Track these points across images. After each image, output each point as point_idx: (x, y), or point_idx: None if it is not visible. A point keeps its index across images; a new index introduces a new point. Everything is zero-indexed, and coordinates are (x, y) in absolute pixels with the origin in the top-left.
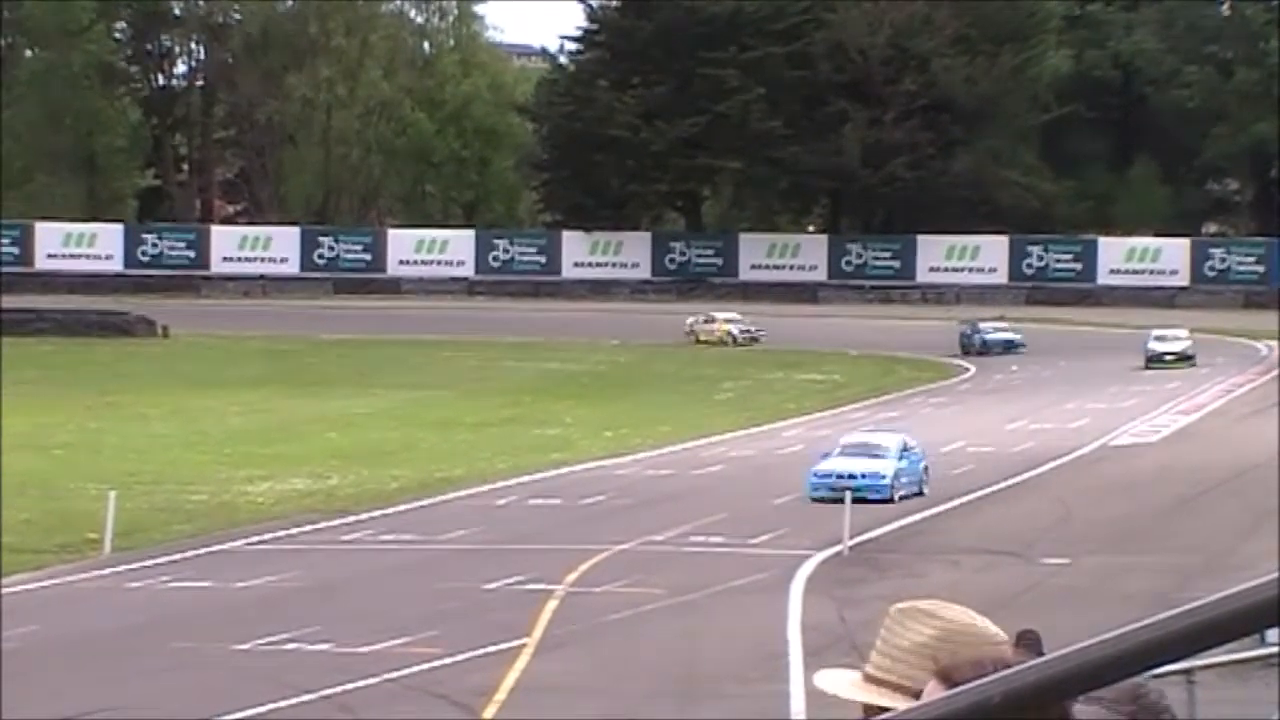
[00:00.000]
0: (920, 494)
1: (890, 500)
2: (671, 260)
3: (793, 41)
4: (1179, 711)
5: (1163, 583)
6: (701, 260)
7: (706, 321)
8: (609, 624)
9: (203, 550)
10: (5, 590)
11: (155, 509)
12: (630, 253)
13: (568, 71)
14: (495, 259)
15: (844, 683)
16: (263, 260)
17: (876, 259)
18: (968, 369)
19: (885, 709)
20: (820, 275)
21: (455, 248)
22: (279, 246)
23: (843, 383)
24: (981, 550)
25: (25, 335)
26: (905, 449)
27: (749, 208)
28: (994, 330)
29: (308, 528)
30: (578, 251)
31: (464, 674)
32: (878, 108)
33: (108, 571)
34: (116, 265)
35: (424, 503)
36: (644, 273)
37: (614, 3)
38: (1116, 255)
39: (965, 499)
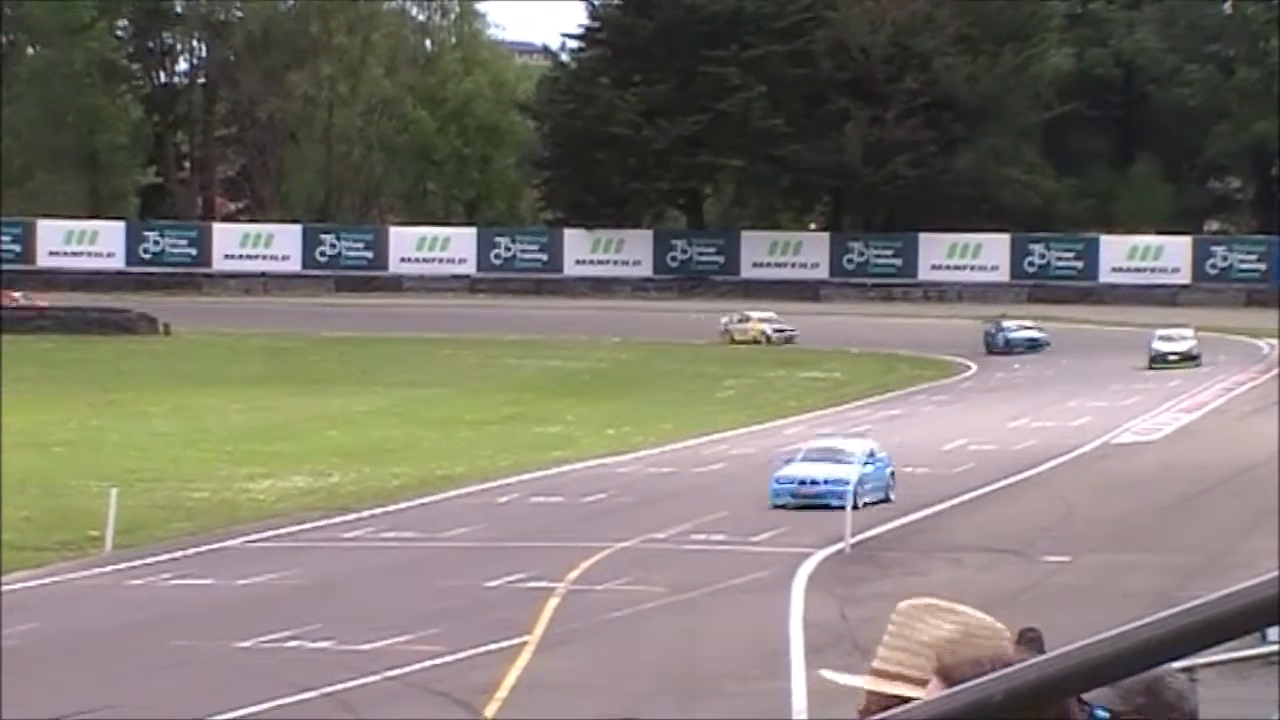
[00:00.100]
0: (887, 500)
1: (854, 507)
2: (673, 258)
3: (794, 39)
4: None
5: (1163, 581)
6: (703, 258)
7: (741, 321)
8: (610, 622)
9: (204, 548)
10: (7, 588)
11: (156, 506)
12: (632, 250)
13: (569, 69)
14: (497, 257)
15: (856, 679)
16: (264, 258)
17: (878, 257)
18: (969, 367)
19: (885, 707)
20: (822, 273)
21: (457, 245)
22: (281, 244)
23: (844, 381)
24: (983, 548)
25: (26, 333)
26: (871, 455)
27: (750, 206)
28: (1017, 329)
29: (309, 525)
30: (579, 249)
31: (465, 672)
32: (879, 106)
33: (109, 569)
34: (118, 263)
35: (425, 500)
36: (645, 270)
37: (616, 1)
38: (1118, 253)
39: (967, 497)
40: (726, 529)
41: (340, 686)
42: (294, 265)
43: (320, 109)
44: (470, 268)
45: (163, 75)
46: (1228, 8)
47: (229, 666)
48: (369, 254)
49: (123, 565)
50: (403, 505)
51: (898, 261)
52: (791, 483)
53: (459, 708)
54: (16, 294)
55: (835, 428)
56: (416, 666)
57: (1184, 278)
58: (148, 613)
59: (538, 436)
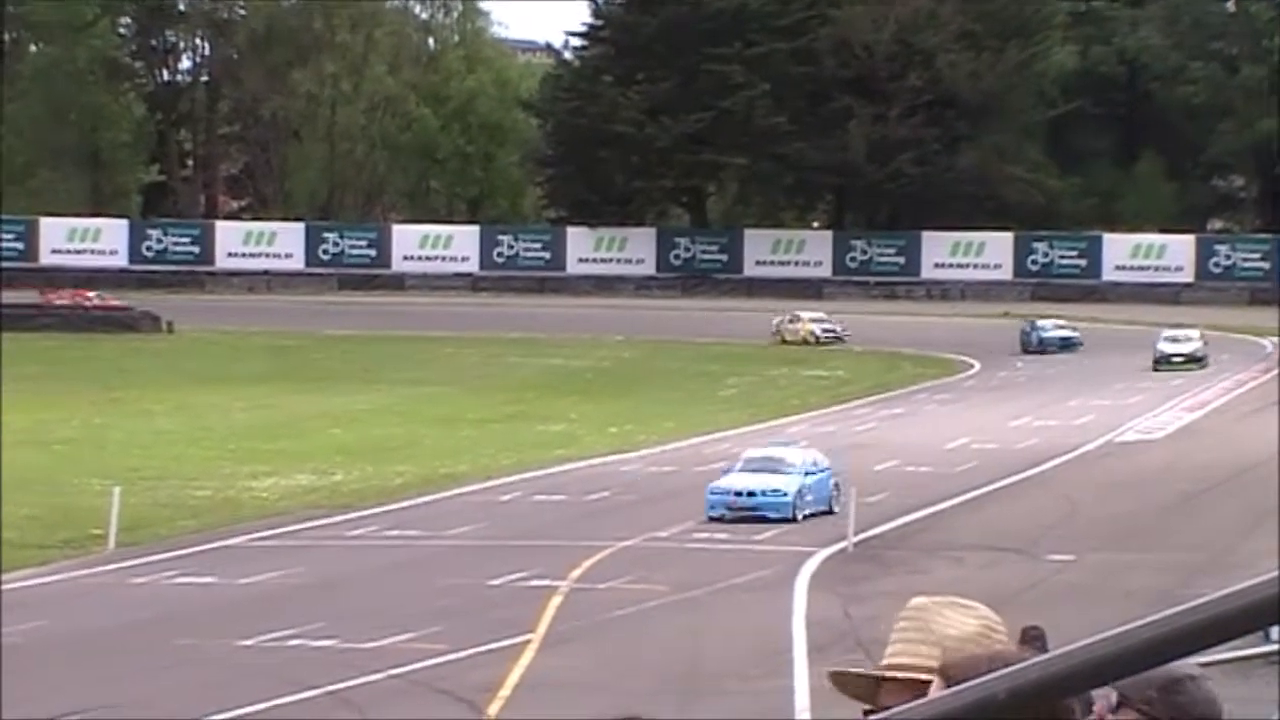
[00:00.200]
0: (830, 512)
1: (792, 520)
2: (676, 256)
3: (797, 37)
4: None
5: (1166, 580)
6: (706, 256)
7: (791, 321)
8: (613, 620)
9: (207, 546)
10: (10, 586)
11: (159, 505)
12: (635, 249)
13: (572, 67)
14: (499, 255)
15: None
16: (267, 256)
17: (881, 255)
18: (972, 365)
19: (886, 705)
20: (825, 271)
21: (460, 243)
22: (283, 242)
23: (847, 379)
24: (985, 547)
25: (29, 330)
26: (814, 465)
27: (754, 204)
28: (1052, 328)
29: (312, 524)
30: (582, 247)
31: (468, 670)
32: (883, 104)
33: (112, 567)
34: (121, 261)
35: (428, 499)
36: (648, 269)
37: None
38: (1121, 251)
39: (969, 496)
40: (729, 527)
41: (343, 685)
42: (297, 263)
43: (323, 107)
44: (473, 266)
45: (166, 73)
46: (1231, 6)
47: (232, 665)
48: (372, 252)
49: (126, 563)
50: (405, 503)
51: (901, 260)
52: (726, 494)
53: (462, 706)
54: (91, 294)
55: (838, 426)
56: (419, 665)
57: (1187, 276)
58: (150, 611)
59: (540, 435)
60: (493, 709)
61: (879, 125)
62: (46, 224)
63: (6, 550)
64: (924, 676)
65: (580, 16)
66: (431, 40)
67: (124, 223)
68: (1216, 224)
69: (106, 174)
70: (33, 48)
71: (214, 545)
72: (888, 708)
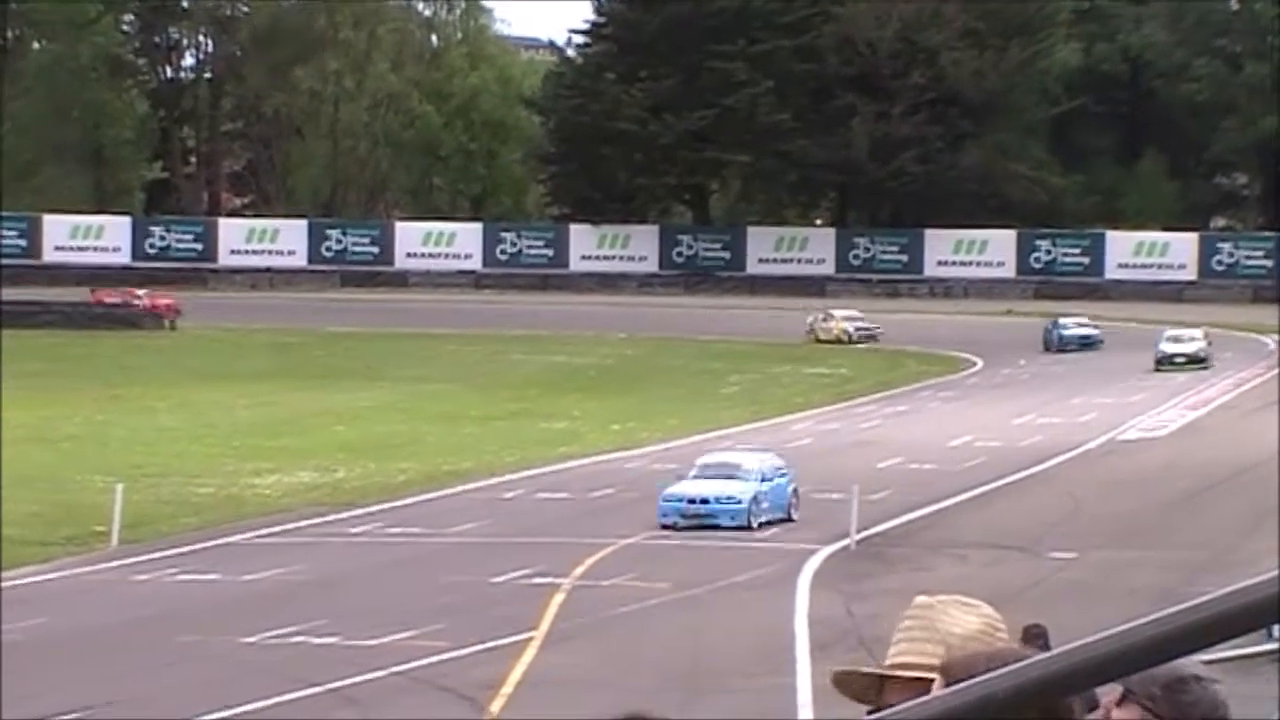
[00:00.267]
0: (788, 520)
1: (748, 528)
2: (679, 254)
3: (801, 35)
4: None
5: (1169, 578)
6: (709, 254)
7: (825, 319)
8: (616, 618)
9: (209, 543)
10: (13, 583)
11: (162, 501)
12: (638, 246)
13: (575, 65)
14: (503, 252)
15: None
16: (270, 253)
17: (884, 253)
18: (975, 363)
19: (891, 705)
20: (828, 269)
21: (463, 241)
22: (286, 239)
23: (850, 376)
24: (989, 544)
25: (32, 328)
26: (772, 470)
27: (756, 201)
28: (1073, 326)
29: (314, 521)
30: (585, 245)
31: (470, 667)
32: (886, 101)
33: (114, 564)
34: (124, 258)
35: (431, 496)
36: (651, 266)
37: None
38: (1124, 249)
39: (973, 493)
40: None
41: (346, 682)
42: (300, 260)
43: (326, 104)
44: (476, 263)
45: (169, 70)
46: (1234, 3)
47: (234, 662)
48: (375, 249)
49: (128, 560)
50: (408, 501)
51: (904, 257)
52: (680, 500)
53: (464, 703)
54: (140, 292)
55: (841, 424)
56: (422, 662)
57: (1190, 274)
58: (153, 608)
59: (543, 432)
60: (495, 706)
61: (882, 123)
62: (49, 221)
63: (10, 547)
64: (928, 675)
65: (583, 14)
66: (434, 37)
67: (127, 220)
68: (1219, 222)
69: (109, 171)
70: (35, 45)
71: (216, 542)
72: (892, 704)
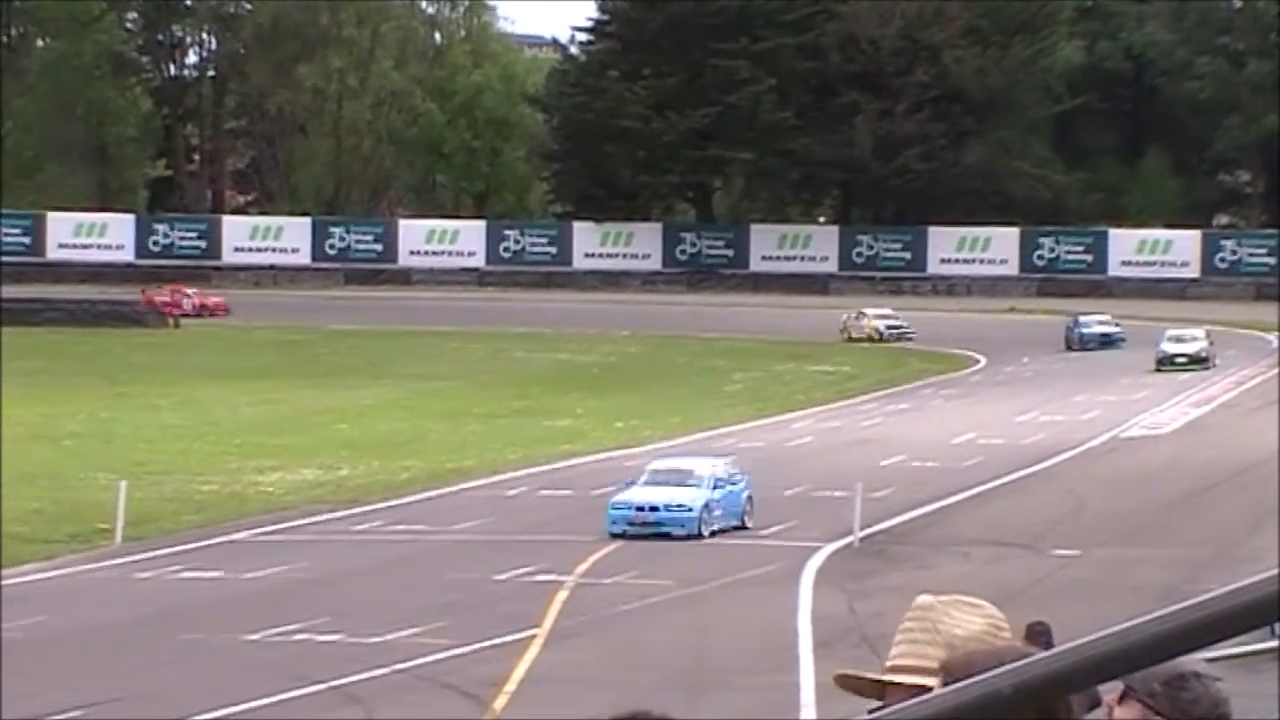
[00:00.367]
0: (742, 527)
1: (698, 536)
2: (682, 251)
3: (804, 32)
4: None
5: (1172, 576)
6: (712, 251)
7: (857, 318)
8: (619, 615)
9: (213, 541)
10: (16, 580)
11: (165, 499)
12: (641, 244)
13: (579, 62)
14: (506, 250)
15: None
16: (274, 251)
17: (887, 250)
18: (978, 360)
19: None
20: (831, 267)
21: (466, 238)
22: (290, 237)
23: (853, 374)
24: (991, 542)
25: (35, 325)
26: (725, 476)
27: (760, 199)
28: (1094, 324)
29: (318, 518)
30: (588, 242)
31: (474, 665)
32: (889, 99)
33: (118, 562)
34: (128, 255)
35: (434, 493)
36: (655, 264)
37: None
38: (1127, 247)
39: (976, 491)
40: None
41: (348, 679)
42: (303, 258)
43: (329, 101)
44: (479, 261)
45: (172, 68)
46: (1237, 1)
47: (237, 659)
48: (378, 247)
49: (132, 558)
50: (411, 498)
51: (907, 255)
52: (628, 508)
53: (468, 700)
54: (190, 290)
55: (844, 421)
56: (425, 659)
57: (1193, 271)
58: (156, 605)
59: (547, 430)
60: (498, 704)
61: (885, 120)
62: (53, 219)
63: (13, 545)
64: (929, 681)
65: (586, 11)
66: (438, 35)
67: (130, 217)
68: (1222, 219)
69: (113, 169)
70: (39, 42)
71: (220, 540)
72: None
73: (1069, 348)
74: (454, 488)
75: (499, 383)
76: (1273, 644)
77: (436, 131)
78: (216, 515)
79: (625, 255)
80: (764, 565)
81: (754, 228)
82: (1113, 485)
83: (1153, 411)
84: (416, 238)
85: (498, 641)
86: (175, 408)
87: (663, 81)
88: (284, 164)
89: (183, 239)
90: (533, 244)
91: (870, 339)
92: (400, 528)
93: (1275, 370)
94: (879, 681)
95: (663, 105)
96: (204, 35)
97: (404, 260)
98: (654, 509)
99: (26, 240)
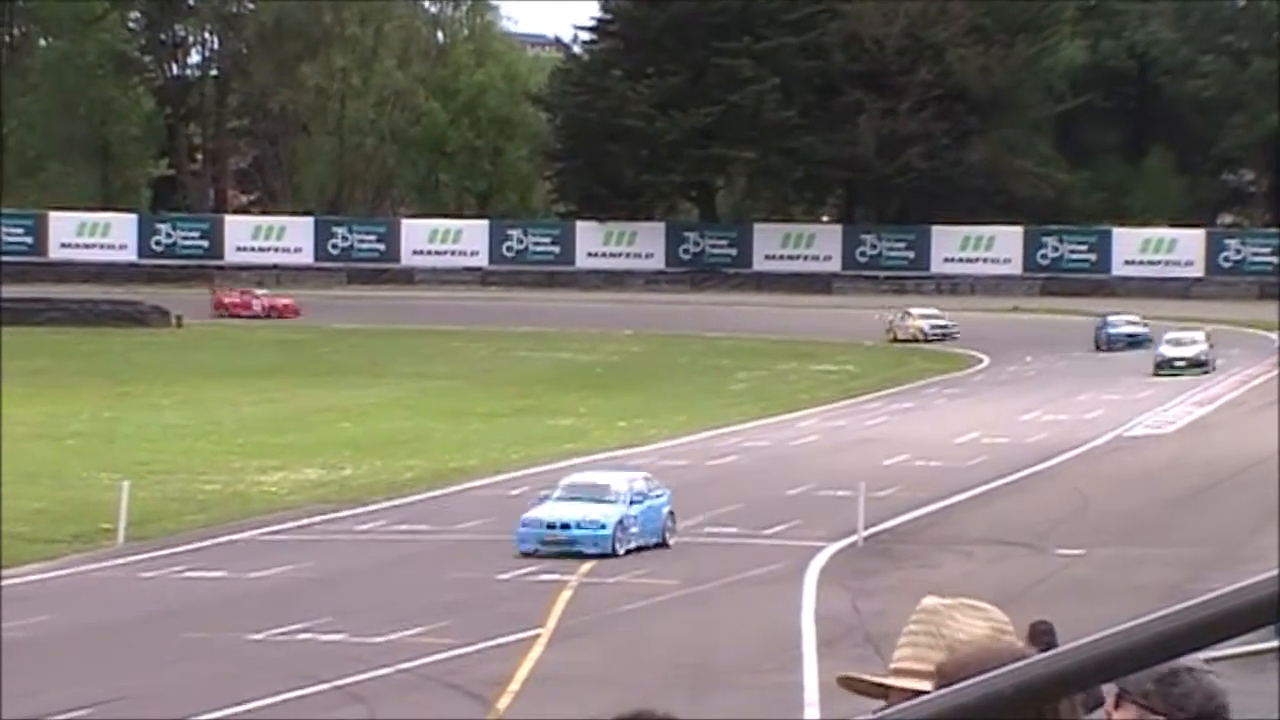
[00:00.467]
0: (662, 545)
1: (613, 554)
2: (685, 251)
3: (807, 31)
4: None
5: (1175, 575)
6: (715, 251)
7: (903, 318)
8: (623, 615)
9: (216, 540)
10: (19, 580)
11: (169, 499)
12: (644, 243)
13: (582, 61)
14: (509, 249)
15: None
16: (276, 250)
17: (891, 249)
18: (981, 359)
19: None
20: (834, 266)
21: (469, 238)
22: (293, 236)
23: (857, 373)
24: (995, 541)
25: (38, 325)
26: (645, 491)
27: (763, 198)
28: (1122, 324)
29: (321, 518)
30: (591, 242)
31: (477, 664)
32: (892, 98)
33: (121, 561)
34: (130, 255)
35: (437, 493)
36: (658, 263)
37: None
38: (1131, 246)
39: (979, 490)
40: (739, 522)
41: (352, 679)
42: (306, 257)
43: (332, 101)
44: (482, 260)
45: (175, 67)
46: (1241, 0)
47: (241, 659)
48: (381, 246)
49: (135, 558)
50: (414, 498)
51: (910, 254)
52: (539, 526)
53: (471, 700)
54: (260, 291)
55: (847, 421)
56: (428, 659)
57: (1197, 270)
58: (160, 605)
59: (550, 429)
60: (502, 703)
61: (888, 119)
62: (55, 218)
63: (16, 544)
64: (931, 685)
65: (589, 11)
66: (440, 34)
67: (133, 217)
68: (1226, 218)
69: (116, 168)
70: (42, 42)
71: (223, 539)
72: None
73: (1098, 348)
74: (457, 487)
75: (502, 382)
76: (1276, 643)
77: (439, 131)
78: (219, 515)
79: (628, 255)
80: (767, 564)
81: (757, 227)
82: (1116, 484)
83: (1156, 410)
84: (419, 237)
85: (501, 641)
86: (178, 407)
87: (666, 80)
88: (287, 163)
89: (185, 238)
90: (536, 243)
91: (915, 339)
92: (403, 527)
93: (1274, 371)
94: (882, 684)
95: (666, 104)
96: (207, 34)
97: (407, 260)
98: (565, 526)
99: (29, 240)
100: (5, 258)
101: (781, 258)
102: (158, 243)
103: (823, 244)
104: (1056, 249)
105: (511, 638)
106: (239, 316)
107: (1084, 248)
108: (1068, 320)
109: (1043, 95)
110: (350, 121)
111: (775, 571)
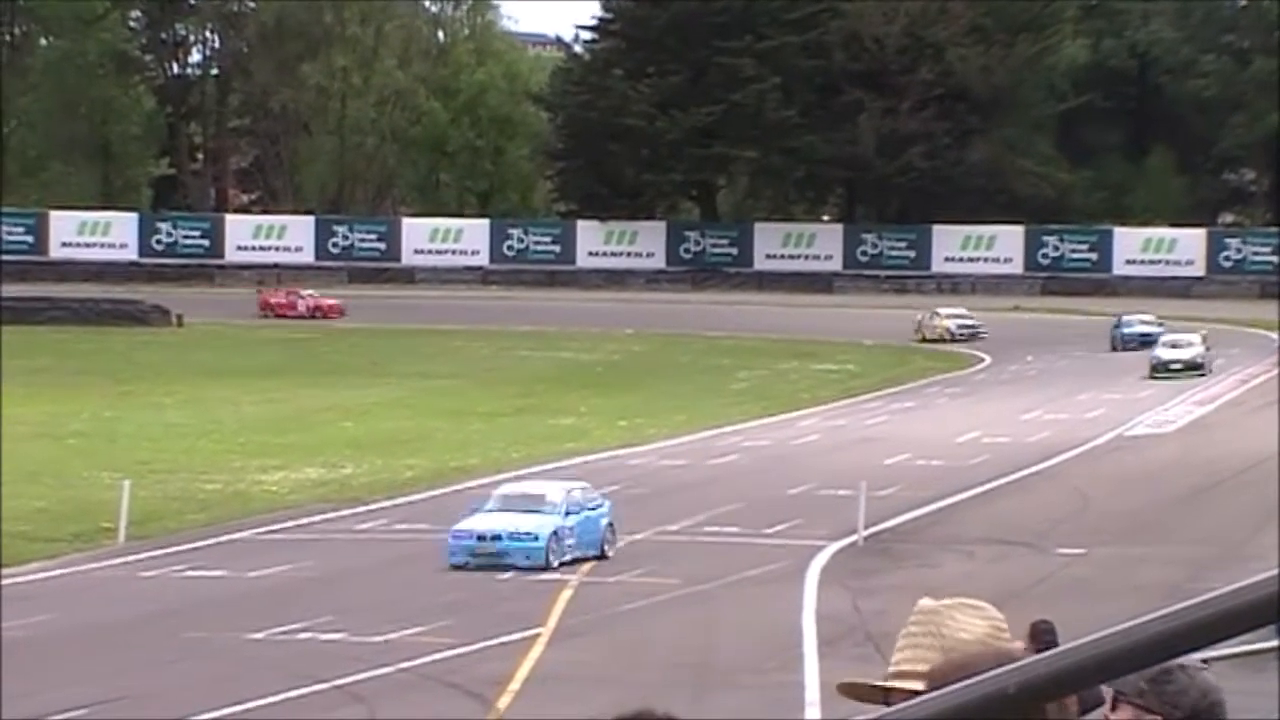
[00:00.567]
0: (601, 557)
1: (547, 567)
2: (686, 250)
3: (808, 31)
4: None
5: (1176, 574)
6: (716, 250)
7: (931, 318)
8: (623, 614)
9: (216, 539)
10: (20, 579)
11: (169, 498)
12: (645, 242)
13: (583, 60)
14: (510, 248)
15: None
16: (277, 249)
17: (892, 249)
18: (983, 359)
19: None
20: (835, 265)
21: (470, 237)
22: (293, 235)
23: (857, 373)
24: (995, 540)
25: (39, 324)
26: (581, 502)
27: (764, 197)
28: (1136, 323)
29: (321, 517)
30: (592, 241)
31: (478, 663)
32: (893, 97)
33: (122, 560)
34: (131, 254)
35: (438, 492)
36: (659, 262)
37: None
38: (1132, 245)
39: (981, 489)
40: (740, 521)
41: (352, 678)
42: (307, 256)
43: (333, 100)
44: (483, 259)
45: (176, 66)
46: (1242, 0)
47: (241, 658)
48: (382, 245)
49: (135, 557)
50: (415, 497)
51: (911, 253)
52: (470, 537)
53: (471, 699)
54: (306, 292)
55: (848, 420)
56: (429, 658)
57: (1198, 270)
58: (160, 604)
59: (550, 428)
60: (502, 703)
61: (889, 119)
62: (56, 217)
63: (17, 543)
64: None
65: (590, 10)
66: (441, 34)
67: (134, 216)
68: (1227, 218)
69: (116, 167)
70: (43, 41)
71: (224, 539)
72: None
73: (1114, 349)
74: (457, 486)
75: (503, 381)
76: (1275, 643)
77: (440, 130)
78: (220, 514)
79: (629, 254)
80: (768, 564)
81: (758, 226)
82: (1117, 484)
83: (1157, 410)
84: (420, 236)
85: (502, 640)
86: (179, 406)
87: (667, 80)
88: (287, 162)
89: (186, 238)
90: (536, 243)
91: (942, 339)
92: (404, 526)
93: (1274, 371)
94: (881, 690)
95: (667, 103)
96: (208, 34)
97: (407, 259)
98: (496, 538)
99: (30, 239)
100: (6, 257)
101: (782, 257)
102: (158, 242)
103: (824, 243)
104: (1057, 248)
105: (512, 637)
106: (285, 317)
107: (1085, 247)
108: (1069, 320)
109: (1044, 95)
110: (351, 121)
111: (776, 571)
